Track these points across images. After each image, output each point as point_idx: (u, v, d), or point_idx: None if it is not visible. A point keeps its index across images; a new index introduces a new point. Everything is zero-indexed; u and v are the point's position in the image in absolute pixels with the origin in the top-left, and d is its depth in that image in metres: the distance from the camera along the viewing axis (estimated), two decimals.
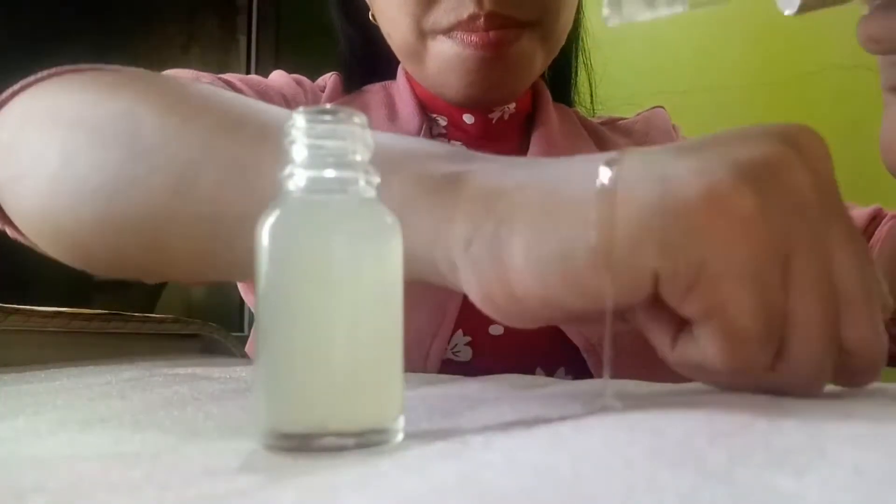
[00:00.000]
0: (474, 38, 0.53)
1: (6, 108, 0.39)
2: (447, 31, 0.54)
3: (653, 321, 0.24)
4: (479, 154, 0.29)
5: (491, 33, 0.53)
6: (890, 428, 0.18)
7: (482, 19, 0.52)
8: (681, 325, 0.24)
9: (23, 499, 0.15)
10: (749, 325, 0.22)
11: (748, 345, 0.22)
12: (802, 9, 0.30)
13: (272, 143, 0.31)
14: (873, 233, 0.55)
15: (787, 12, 0.30)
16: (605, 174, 0.23)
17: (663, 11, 0.29)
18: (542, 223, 0.23)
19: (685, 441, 0.18)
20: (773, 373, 0.23)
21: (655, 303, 0.23)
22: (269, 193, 0.30)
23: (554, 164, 0.26)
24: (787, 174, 0.23)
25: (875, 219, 0.57)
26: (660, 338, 0.24)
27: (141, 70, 0.42)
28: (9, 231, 0.42)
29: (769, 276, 0.22)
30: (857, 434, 0.18)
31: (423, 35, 0.55)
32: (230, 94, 0.37)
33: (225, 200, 0.31)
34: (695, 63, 1.34)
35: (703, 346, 0.23)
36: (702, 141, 0.25)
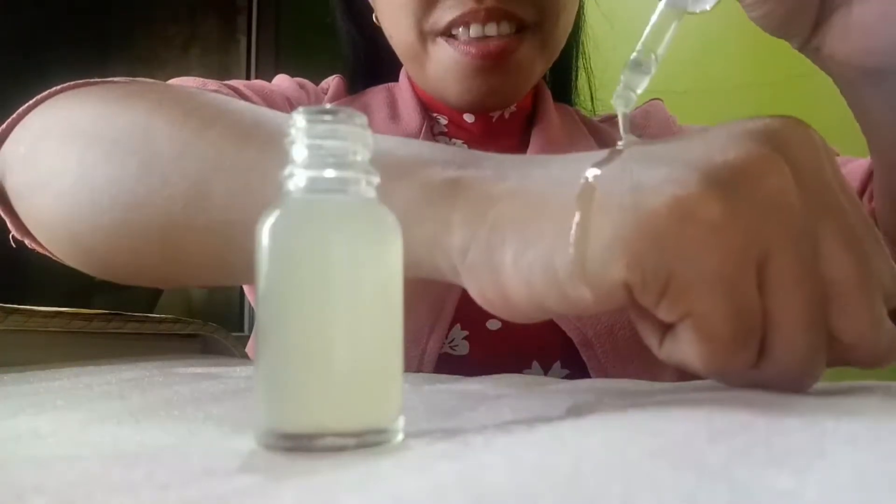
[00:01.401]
0: (472, 48, 0.54)
1: (24, 123, 0.41)
2: (447, 31, 0.54)
3: (641, 319, 0.24)
4: (475, 154, 0.29)
5: (490, 43, 0.54)
6: (890, 427, 0.18)
7: (482, 12, 0.53)
8: (667, 324, 0.24)
9: (23, 499, 0.15)
10: (722, 329, 0.22)
11: (724, 347, 0.22)
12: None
13: (281, 150, 0.32)
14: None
15: (703, 7, 0.31)
16: (587, 178, 0.24)
17: (657, 58, 0.30)
18: (528, 232, 0.24)
19: (685, 441, 0.18)
20: (758, 372, 0.23)
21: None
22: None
23: (545, 164, 0.27)
24: (763, 177, 0.23)
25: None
26: (648, 336, 0.25)
27: (152, 81, 0.43)
28: (27, 241, 0.43)
29: (741, 280, 0.22)
30: (857, 434, 0.18)
31: (423, 37, 0.56)
32: (241, 104, 0.38)
33: (237, 208, 0.32)
34: (694, 63, 1.34)
35: (685, 348, 0.23)
36: (684, 142, 0.25)
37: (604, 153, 0.25)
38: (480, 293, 0.26)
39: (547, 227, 0.24)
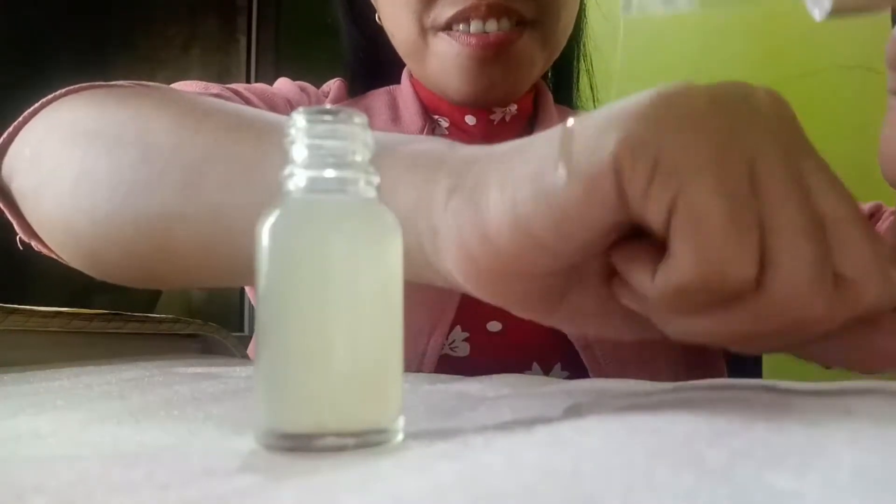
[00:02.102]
0: (473, 39, 0.54)
1: (29, 126, 0.41)
2: (449, 26, 0.55)
3: (630, 261, 0.23)
4: (459, 143, 0.29)
5: (491, 34, 0.54)
6: (890, 427, 0.18)
7: (483, 7, 0.53)
8: (657, 259, 0.22)
9: (23, 499, 0.15)
10: (715, 214, 0.20)
11: (719, 239, 0.20)
12: (834, 13, 0.29)
13: (274, 141, 0.33)
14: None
15: (816, 15, 0.30)
16: (571, 121, 0.23)
17: (678, 5, 0.29)
18: (513, 167, 0.24)
19: (685, 441, 0.18)
20: (764, 293, 0.21)
21: (630, 240, 0.23)
22: (270, 190, 0.31)
23: (533, 137, 0.26)
24: (747, 94, 0.23)
25: (874, 215, 0.57)
26: (639, 275, 0.23)
27: (154, 84, 0.43)
28: (34, 244, 0.43)
29: (731, 167, 0.21)
30: (858, 433, 0.18)
31: (424, 32, 0.56)
32: (236, 105, 0.39)
33: (229, 198, 0.33)
34: (694, 63, 1.34)
35: (677, 258, 0.21)
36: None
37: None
38: (460, 239, 0.24)
39: (531, 160, 0.23)
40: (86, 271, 0.41)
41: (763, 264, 0.21)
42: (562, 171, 0.22)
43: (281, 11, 1.93)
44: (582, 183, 0.21)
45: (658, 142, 0.21)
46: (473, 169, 0.25)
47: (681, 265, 0.21)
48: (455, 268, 0.25)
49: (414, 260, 0.27)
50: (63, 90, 0.42)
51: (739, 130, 0.22)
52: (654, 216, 0.21)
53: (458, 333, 0.54)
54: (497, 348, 0.53)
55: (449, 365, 0.53)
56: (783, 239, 0.21)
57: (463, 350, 0.53)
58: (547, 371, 0.54)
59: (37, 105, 0.42)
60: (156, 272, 0.39)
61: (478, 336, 0.54)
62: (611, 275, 0.25)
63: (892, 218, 0.55)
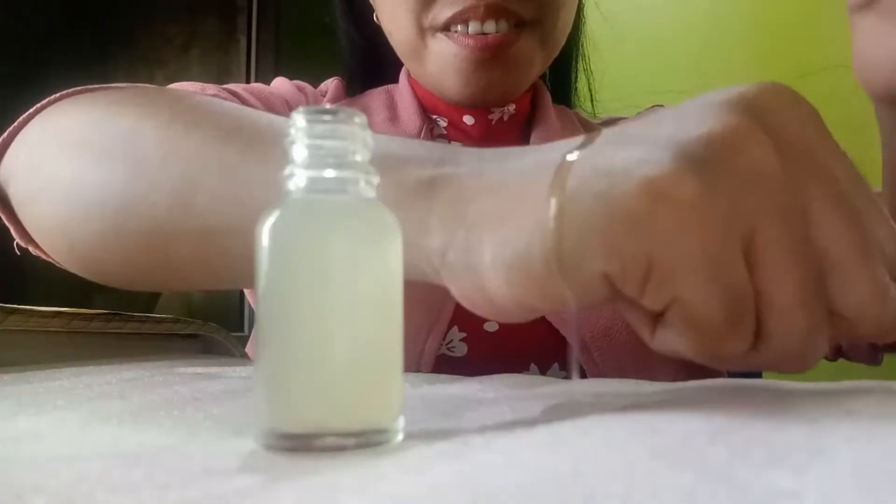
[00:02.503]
0: (471, 40, 0.54)
1: (25, 131, 0.42)
2: (447, 26, 0.55)
3: (630, 310, 0.23)
4: (453, 149, 0.28)
5: (489, 36, 0.54)
6: (890, 426, 0.18)
7: (482, 8, 0.53)
8: (658, 314, 0.23)
9: (23, 499, 0.15)
10: (710, 312, 0.21)
11: (715, 333, 0.21)
12: None
13: (262, 150, 0.32)
14: None
15: None
16: (560, 167, 0.23)
17: None
18: (505, 229, 0.23)
19: (685, 440, 0.18)
20: (757, 354, 0.22)
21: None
22: (259, 200, 0.31)
23: (522, 155, 0.26)
24: (740, 148, 0.21)
25: None
26: (640, 327, 0.24)
27: (148, 86, 0.43)
28: (31, 249, 0.44)
29: (726, 259, 0.21)
30: (857, 432, 0.18)
31: (423, 32, 0.56)
32: (226, 105, 0.38)
33: (218, 211, 0.33)
34: (694, 63, 1.34)
35: (676, 336, 0.22)
36: (657, 118, 0.24)
37: (580, 139, 0.24)
38: (463, 295, 0.25)
39: (523, 223, 0.23)
40: (85, 276, 0.41)
41: (757, 333, 0.22)
42: (553, 269, 0.21)
43: (281, 11, 1.93)
44: (572, 288, 0.21)
45: (647, 251, 0.21)
46: (464, 223, 0.24)
47: (677, 344, 0.22)
48: (460, 301, 0.25)
49: (411, 276, 0.27)
50: (59, 94, 0.42)
51: (735, 206, 0.21)
52: (650, 308, 0.22)
53: (456, 333, 0.54)
54: (494, 348, 0.53)
55: (446, 365, 0.53)
56: (777, 313, 0.21)
57: (460, 350, 0.53)
58: (544, 371, 0.54)
59: (33, 109, 0.42)
60: (155, 279, 0.40)
61: (475, 336, 0.54)
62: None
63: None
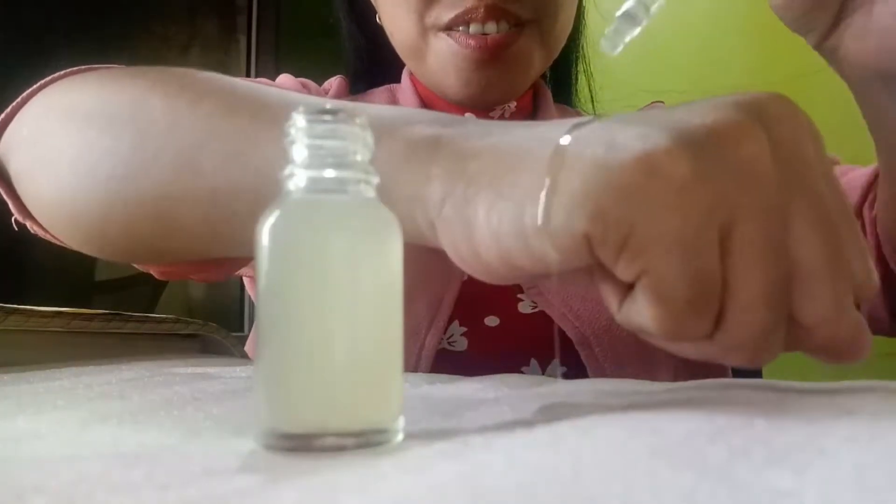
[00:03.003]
0: (472, 41, 0.54)
1: (26, 108, 0.42)
2: (449, 27, 0.55)
3: (603, 280, 0.24)
4: (460, 118, 0.29)
5: (489, 37, 0.54)
6: (890, 426, 0.19)
7: (482, 10, 0.53)
8: (628, 287, 0.23)
9: (23, 499, 0.15)
10: (678, 290, 0.21)
11: (680, 311, 0.22)
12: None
13: (269, 120, 0.33)
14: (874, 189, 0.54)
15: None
16: (565, 139, 0.23)
17: (650, 12, 0.30)
18: (502, 186, 0.24)
19: (685, 440, 0.18)
20: (711, 342, 0.23)
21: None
22: (265, 171, 0.31)
23: (530, 125, 0.27)
24: (738, 143, 0.22)
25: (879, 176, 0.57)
26: (609, 298, 0.24)
27: (148, 67, 0.43)
28: (29, 225, 0.43)
29: (701, 243, 0.21)
30: (857, 432, 0.18)
31: (424, 32, 0.56)
32: (235, 80, 0.38)
33: (226, 176, 0.33)
34: (694, 63, 1.34)
35: (640, 310, 0.22)
36: (668, 109, 0.25)
37: (587, 118, 0.25)
38: (454, 248, 0.25)
39: (520, 182, 0.24)
40: (83, 250, 0.41)
41: (716, 321, 0.22)
42: (541, 227, 0.22)
43: (281, 11, 1.93)
44: (555, 246, 0.22)
45: (630, 219, 0.21)
46: (464, 176, 0.25)
47: (641, 318, 0.23)
48: (450, 256, 0.26)
49: (413, 238, 0.28)
50: (60, 73, 0.42)
51: (722, 195, 0.22)
52: (621, 277, 0.22)
53: (457, 328, 0.54)
54: (495, 343, 0.54)
55: (447, 359, 0.53)
56: (737, 305, 0.22)
57: (461, 344, 0.54)
58: (545, 366, 0.54)
59: (35, 87, 0.42)
60: (158, 248, 0.40)
61: (476, 330, 0.54)
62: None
63: (850, 174, 0.55)
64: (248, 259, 0.43)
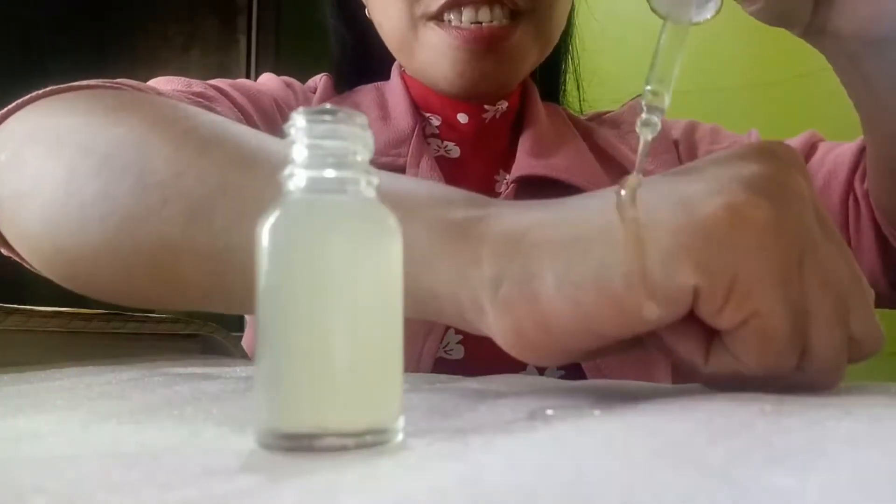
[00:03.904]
0: (465, 32, 0.53)
1: (4, 128, 0.39)
2: (439, 15, 0.54)
3: (682, 340, 0.25)
4: (492, 199, 0.29)
5: (483, 27, 0.53)
6: (890, 427, 0.19)
7: None
8: (710, 338, 0.25)
9: (23, 499, 0.15)
10: (780, 325, 0.23)
11: (780, 345, 0.23)
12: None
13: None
14: (810, 158, 0.57)
15: (706, 16, 0.30)
16: (622, 194, 0.24)
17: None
18: (570, 252, 0.24)
19: (685, 441, 0.18)
20: (800, 370, 0.24)
21: (682, 321, 0.24)
22: None
23: (568, 201, 0.27)
24: (787, 181, 0.25)
25: (813, 146, 0.58)
26: (692, 354, 0.25)
27: (140, 93, 0.41)
28: (3, 250, 0.41)
29: (793, 278, 0.23)
30: (858, 433, 0.18)
31: (414, 22, 0.55)
32: (241, 127, 0.37)
33: (240, 232, 0.31)
34: (694, 63, 1.34)
35: (738, 353, 0.24)
36: (699, 165, 0.26)
37: (623, 183, 0.25)
38: (515, 328, 0.25)
39: (591, 246, 0.24)
40: (65, 285, 0.39)
41: (803, 349, 0.24)
42: (637, 284, 0.23)
43: (281, 11, 1.93)
44: (659, 303, 0.23)
45: (732, 267, 0.23)
46: (520, 253, 0.25)
47: (741, 362, 0.24)
48: (503, 342, 0.26)
49: (449, 322, 0.28)
50: (40, 91, 0.39)
51: (795, 233, 0.24)
52: (722, 325, 0.24)
53: (453, 336, 0.53)
54: (492, 350, 0.53)
55: (444, 368, 0.52)
56: (820, 329, 0.24)
57: (458, 352, 0.53)
58: (542, 372, 0.53)
59: (12, 106, 0.39)
60: (152, 296, 0.38)
61: (472, 338, 0.53)
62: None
63: (836, 150, 0.55)
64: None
